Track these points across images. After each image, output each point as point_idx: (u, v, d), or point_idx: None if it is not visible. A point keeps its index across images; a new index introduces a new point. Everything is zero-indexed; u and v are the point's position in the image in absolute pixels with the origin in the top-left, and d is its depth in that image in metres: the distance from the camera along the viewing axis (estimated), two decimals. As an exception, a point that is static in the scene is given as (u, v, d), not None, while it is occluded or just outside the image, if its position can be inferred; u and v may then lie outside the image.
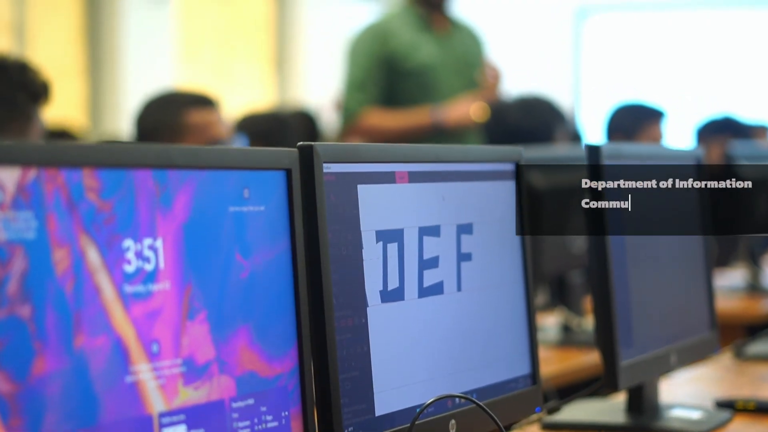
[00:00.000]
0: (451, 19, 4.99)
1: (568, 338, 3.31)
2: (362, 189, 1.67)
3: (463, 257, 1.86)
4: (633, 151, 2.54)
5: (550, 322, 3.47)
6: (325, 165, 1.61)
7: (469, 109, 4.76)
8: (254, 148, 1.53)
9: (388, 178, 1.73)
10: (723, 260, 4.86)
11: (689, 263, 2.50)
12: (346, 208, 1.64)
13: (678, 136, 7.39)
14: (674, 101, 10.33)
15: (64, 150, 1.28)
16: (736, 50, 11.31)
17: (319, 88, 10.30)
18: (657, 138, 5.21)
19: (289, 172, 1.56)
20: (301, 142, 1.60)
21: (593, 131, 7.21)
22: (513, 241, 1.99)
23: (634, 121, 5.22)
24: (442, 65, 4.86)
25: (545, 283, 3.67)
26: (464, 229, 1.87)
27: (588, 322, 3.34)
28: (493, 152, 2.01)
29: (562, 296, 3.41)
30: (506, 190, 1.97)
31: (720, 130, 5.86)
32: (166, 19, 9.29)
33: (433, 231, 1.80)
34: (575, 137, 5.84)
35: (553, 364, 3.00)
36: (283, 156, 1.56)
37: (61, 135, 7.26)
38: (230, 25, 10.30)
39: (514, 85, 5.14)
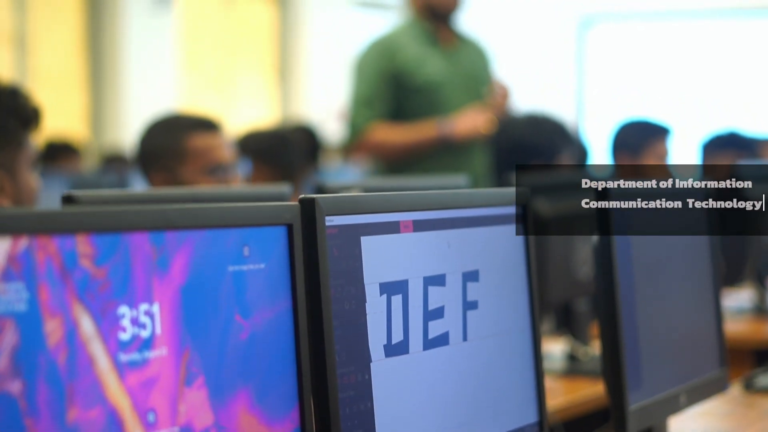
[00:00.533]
0: (458, 33, 4.94)
1: (574, 367, 3.25)
2: (365, 240, 1.62)
3: (469, 305, 1.81)
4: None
5: (555, 350, 3.42)
6: (327, 218, 1.56)
7: (476, 122, 4.71)
8: (254, 204, 1.48)
9: (393, 228, 1.68)
10: (729, 280, 4.81)
11: (698, 296, 2.45)
12: (349, 262, 1.60)
13: (683, 151, 7.34)
14: (679, 113, 10.28)
15: (56, 216, 1.23)
16: (742, 61, 11.27)
17: (323, 98, 10.27)
18: (663, 155, 5.16)
19: (290, 227, 1.51)
20: (302, 195, 1.55)
21: (598, 146, 7.16)
22: (519, 286, 1.94)
23: (640, 138, 5.17)
24: (449, 80, 4.82)
25: (550, 310, 3.62)
26: (470, 276, 1.82)
27: (594, 349, 3.29)
28: (497, 195, 1.96)
29: (567, 323, 3.36)
30: (512, 234, 1.93)
31: (726, 145, 5.81)
32: (168, 29, 9.26)
33: (439, 280, 1.75)
34: (582, 156, 5.79)
35: (559, 396, 2.95)
36: (284, 211, 1.51)
37: (62, 147, 7.23)
38: (233, 36, 10.27)
39: (517, 94, 5.10)
